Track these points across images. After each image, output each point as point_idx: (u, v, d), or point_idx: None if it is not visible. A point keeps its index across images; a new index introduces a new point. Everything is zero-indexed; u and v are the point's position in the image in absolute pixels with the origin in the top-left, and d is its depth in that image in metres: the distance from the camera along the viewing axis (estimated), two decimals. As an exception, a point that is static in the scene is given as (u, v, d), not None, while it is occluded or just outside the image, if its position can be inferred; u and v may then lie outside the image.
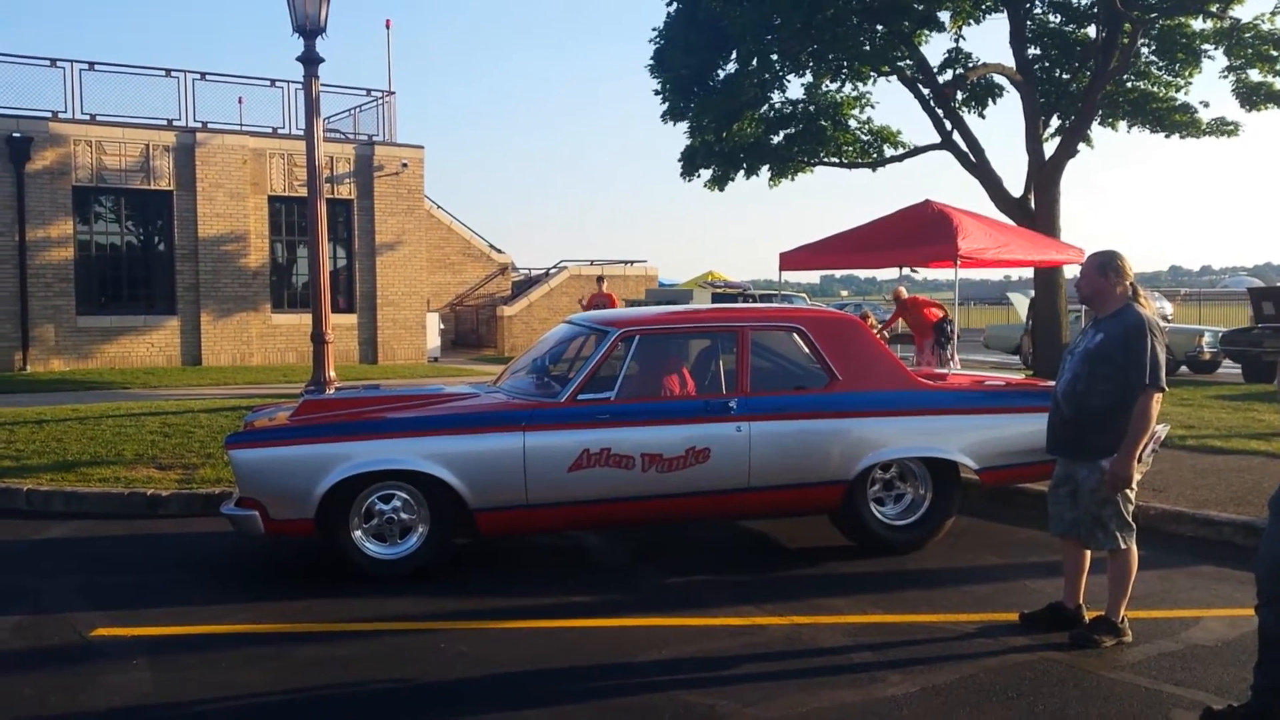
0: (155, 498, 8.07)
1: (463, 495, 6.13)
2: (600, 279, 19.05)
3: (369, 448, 6.13)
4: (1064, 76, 18.67)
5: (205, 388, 16.10)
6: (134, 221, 20.40)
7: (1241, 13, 17.06)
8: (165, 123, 20.18)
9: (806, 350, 6.89)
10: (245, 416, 7.76)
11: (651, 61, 18.73)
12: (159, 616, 5.55)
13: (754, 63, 17.78)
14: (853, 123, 19.28)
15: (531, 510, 6.27)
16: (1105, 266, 5.06)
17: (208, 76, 20.78)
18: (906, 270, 16.74)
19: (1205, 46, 17.93)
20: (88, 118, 19.47)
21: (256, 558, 6.80)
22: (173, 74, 20.41)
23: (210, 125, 20.58)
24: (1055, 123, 18.63)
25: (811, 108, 19.12)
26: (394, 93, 22.94)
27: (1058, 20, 18.71)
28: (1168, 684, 4.54)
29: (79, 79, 19.43)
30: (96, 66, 19.68)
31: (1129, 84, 18.54)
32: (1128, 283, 5.05)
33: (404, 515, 6.18)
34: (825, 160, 19.37)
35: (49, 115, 19.13)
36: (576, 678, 4.69)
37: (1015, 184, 17.62)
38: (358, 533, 6.14)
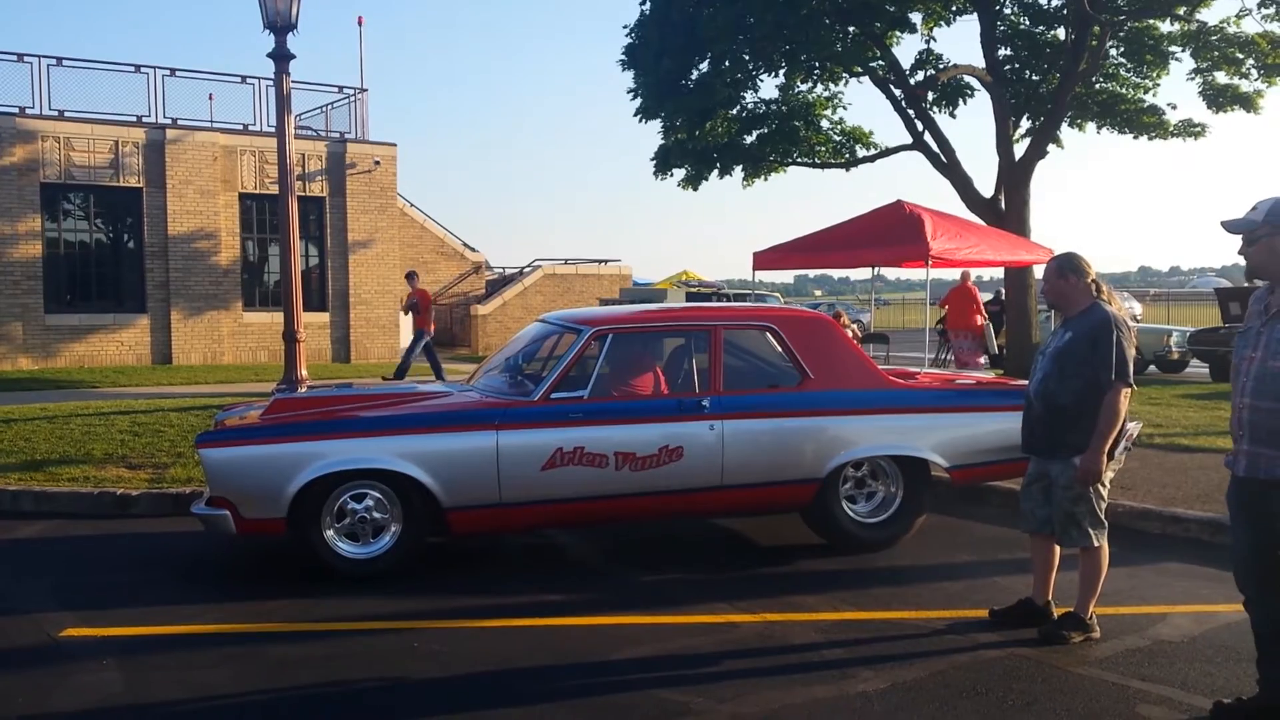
0: (125, 497, 8.01)
1: (435, 494, 6.12)
2: (412, 275, 17.22)
3: (341, 446, 6.11)
4: (1034, 78, 18.82)
5: (176, 386, 15.98)
6: (103, 219, 20.22)
7: (1208, 15, 17.22)
8: (135, 119, 20.01)
9: (779, 349, 6.93)
10: (216, 415, 7.71)
11: (624, 57, 18.73)
12: (129, 617, 5.51)
13: (727, 63, 17.84)
14: (825, 123, 19.37)
15: (505, 509, 6.27)
16: (1064, 268, 5.15)
17: (178, 73, 20.63)
18: (879, 270, 16.85)
19: (1173, 49, 18.14)
20: (56, 114, 19.28)
21: (228, 557, 6.77)
22: (142, 70, 20.25)
23: (180, 122, 20.43)
24: (1025, 124, 18.79)
25: (784, 108, 19.18)
26: (366, 90, 22.87)
27: (1028, 22, 18.86)
28: (1134, 679, 4.59)
29: (47, 74, 19.24)
30: (65, 62, 19.51)
31: (1098, 85, 18.72)
32: (1089, 280, 5.11)
33: (376, 514, 6.16)
34: (798, 160, 19.44)
35: (16, 111, 18.92)
36: (551, 676, 4.70)
37: (986, 185, 17.77)
38: (330, 532, 6.12)
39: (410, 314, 16.53)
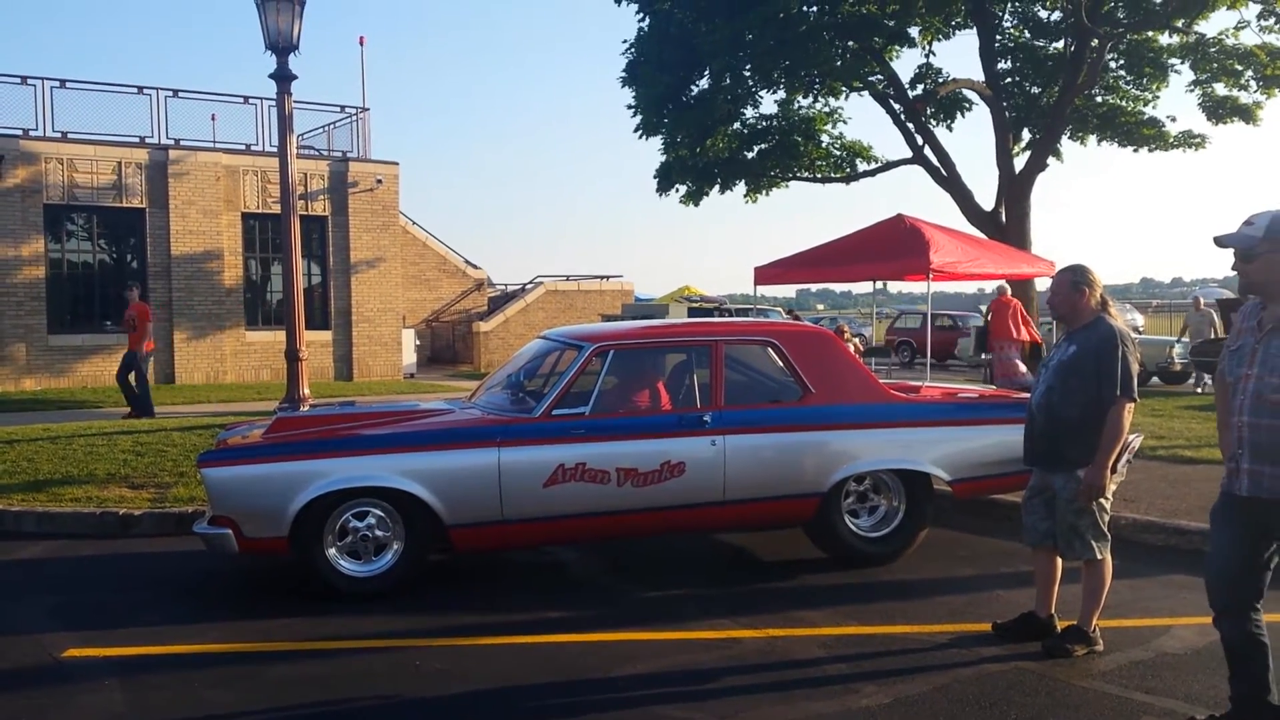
0: (128, 517, 8.01)
1: (438, 512, 6.11)
2: (129, 287, 15.36)
3: (343, 465, 6.11)
4: (1033, 90, 18.91)
5: (178, 406, 16.00)
6: (106, 239, 20.28)
7: (1207, 28, 17.32)
8: (138, 140, 20.09)
9: (780, 364, 6.93)
10: (218, 434, 7.72)
11: (624, 74, 18.80)
12: (131, 636, 5.50)
13: (727, 79, 17.92)
14: (825, 138, 19.45)
15: (507, 526, 6.27)
16: (1078, 283, 5.14)
17: (180, 94, 20.70)
18: (879, 284, 16.87)
19: (1172, 61, 18.22)
20: (59, 135, 19.35)
21: (230, 577, 6.76)
22: (145, 91, 20.33)
23: (183, 142, 20.48)
24: (1025, 136, 18.85)
25: (784, 123, 19.27)
26: (368, 109, 22.97)
27: (1027, 36, 18.95)
28: (1138, 692, 4.58)
29: (50, 96, 19.32)
30: (68, 84, 19.58)
31: (1098, 98, 18.79)
32: (1098, 294, 5.12)
33: (378, 532, 6.16)
34: (799, 175, 19.51)
35: (20, 133, 19.00)
36: (554, 693, 4.69)
37: (986, 198, 17.81)
38: (332, 550, 6.11)
39: (128, 332, 14.70)
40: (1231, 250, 3.96)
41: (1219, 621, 4.05)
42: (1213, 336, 18.32)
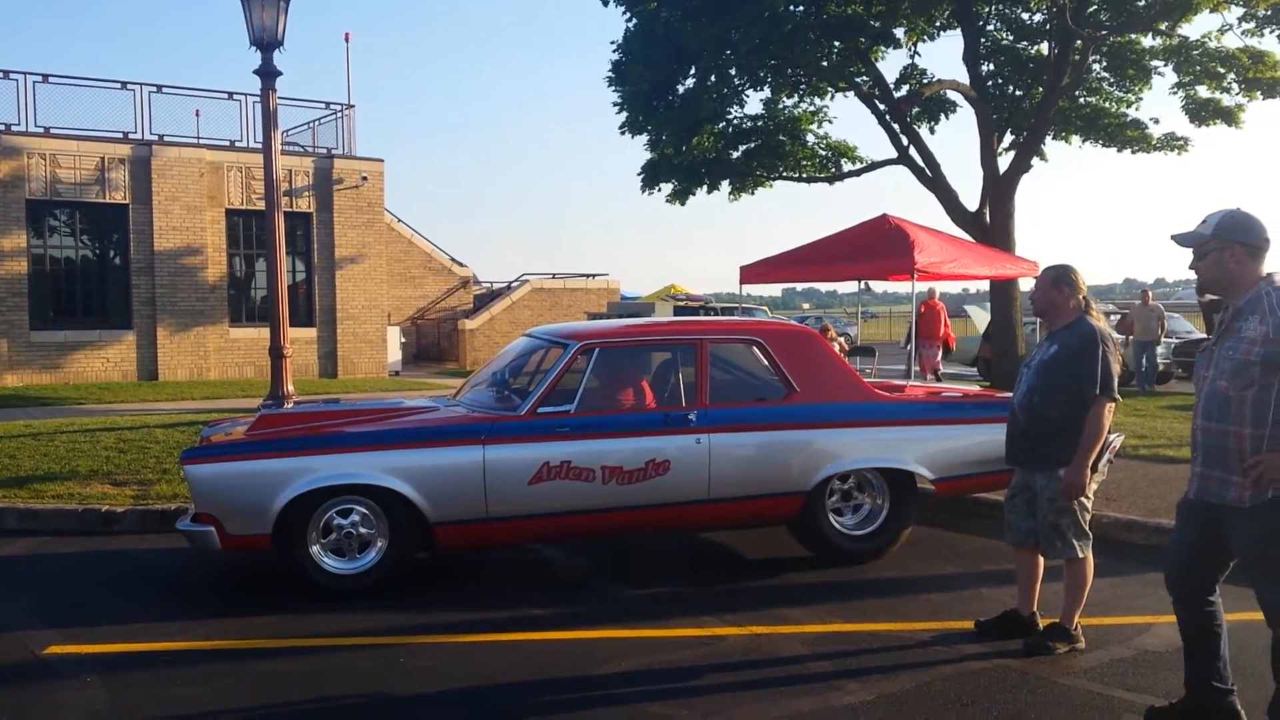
0: (110, 514, 7.97)
1: (422, 509, 6.11)
2: None
3: (327, 462, 6.10)
4: (1017, 92, 18.92)
5: (162, 403, 15.93)
6: (89, 235, 20.16)
7: (1190, 31, 17.33)
8: (121, 135, 19.97)
9: (765, 363, 6.94)
10: (202, 431, 7.69)
11: (611, 74, 18.77)
12: (113, 633, 5.49)
13: (712, 78, 17.90)
14: (811, 138, 19.42)
15: (491, 524, 6.27)
16: (1059, 280, 5.17)
17: (164, 89, 20.59)
18: (864, 284, 16.93)
19: (1155, 63, 18.25)
20: (41, 130, 19.22)
21: (213, 574, 6.74)
22: (128, 86, 20.22)
23: (167, 138, 20.39)
24: (1009, 138, 18.88)
25: (770, 123, 19.24)
26: (353, 106, 22.91)
27: (1011, 38, 18.97)
28: (1119, 689, 4.61)
29: (32, 91, 19.20)
30: (50, 79, 19.46)
31: (1081, 100, 18.83)
32: (1080, 296, 5.16)
33: (362, 530, 6.15)
34: (784, 175, 19.48)
35: (2, 128, 18.88)
36: (537, 691, 4.70)
37: (970, 198, 17.84)
38: (315, 547, 6.10)
39: None
40: (1190, 250, 4.03)
41: (1175, 606, 4.11)
42: (1160, 333, 18.52)
